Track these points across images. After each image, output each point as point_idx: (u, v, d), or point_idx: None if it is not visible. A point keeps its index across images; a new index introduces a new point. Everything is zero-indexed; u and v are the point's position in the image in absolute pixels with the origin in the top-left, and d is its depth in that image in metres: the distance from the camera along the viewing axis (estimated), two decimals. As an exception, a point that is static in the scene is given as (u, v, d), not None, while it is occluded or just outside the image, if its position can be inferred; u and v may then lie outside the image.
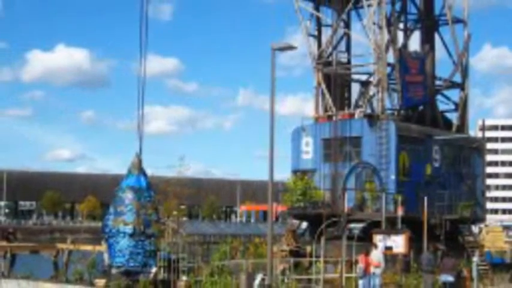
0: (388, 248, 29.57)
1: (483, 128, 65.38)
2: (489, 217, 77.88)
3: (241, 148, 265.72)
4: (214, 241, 43.78)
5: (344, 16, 44.97)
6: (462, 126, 47.20)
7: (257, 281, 24.95)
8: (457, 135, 45.32)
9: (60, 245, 34.48)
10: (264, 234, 41.34)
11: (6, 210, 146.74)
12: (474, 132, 68.70)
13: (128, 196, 27.83)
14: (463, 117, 47.36)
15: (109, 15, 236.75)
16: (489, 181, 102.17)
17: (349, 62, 46.55)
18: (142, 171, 28.47)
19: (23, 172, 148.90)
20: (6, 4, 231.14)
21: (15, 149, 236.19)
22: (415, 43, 47.79)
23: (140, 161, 28.53)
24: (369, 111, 42.52)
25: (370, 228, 33.21)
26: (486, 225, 60.57)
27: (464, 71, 47.67)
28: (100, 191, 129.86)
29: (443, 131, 44.80)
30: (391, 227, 34.25)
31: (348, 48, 46.58)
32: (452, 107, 47.91)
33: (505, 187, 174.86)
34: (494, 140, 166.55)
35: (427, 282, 25.72)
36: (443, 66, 49.29)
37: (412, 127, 42.05)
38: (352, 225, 35.62)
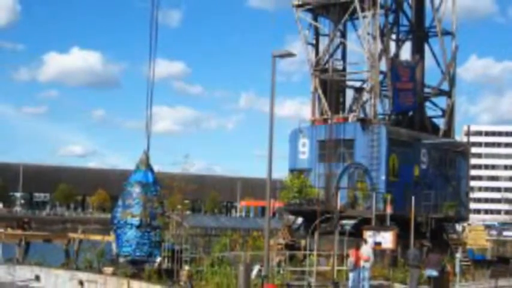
0: (377, 244, 29.53)
1: (468, 133, 65.32)
2: (472, 217, 77.71)
3: (242, 147, 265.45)
4: (215, 234, 43.63)
5: (340, 26, 44.95)
6: (449, 131, 47.18)
7: (254, 272, 24.97)
8: (444, 139, 45.29)
9: (71, 235, 34.48)
10: (261, 228, 41.25)
11: (22, 201, 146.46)
12: (460, 137, 68.55)
13: (136, 190, 27.86)
14: (449, 123, 47.34)
15: (121, 20, 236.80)
16: (473, 183, 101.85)
17: (344, 69, 46.53)
18: (149, 167, 28.48)
19: (38, 166, 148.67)
20: (25, 8, 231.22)
21: (31, 144, 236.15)
22: (406, 53, 47.85)
23: (148, 158, 28.54)
24: (361, 115, 42.52)
25: (361, 224, 33.20)
26: (469, 224, 60.59)
27: (452, 80, 47.65)
28: (110, 185, 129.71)
29: (431, 135, 44.78)
30: (381, 224, 34.22)
31: (344, 57, 46.57)
32: (440, 113, 47.88)
33: (487, 189, 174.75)
34: (478, 144, 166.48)
35: (413, 276, 25.69)
36: (432, 75, 49.30)
37: (401, 131, 42.03)
38: (344, 221, 35.57)
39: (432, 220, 39.53)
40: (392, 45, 46.42)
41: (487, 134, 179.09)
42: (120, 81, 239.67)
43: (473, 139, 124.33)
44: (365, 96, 43.13)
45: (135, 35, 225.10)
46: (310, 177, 41.03)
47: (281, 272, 27.75)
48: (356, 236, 30.66)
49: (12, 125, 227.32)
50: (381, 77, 43.20)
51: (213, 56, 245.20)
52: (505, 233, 74.93)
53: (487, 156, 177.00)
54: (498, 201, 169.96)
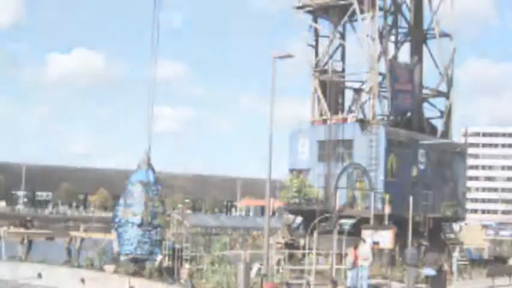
0: (376, 243, 29.52)
1: (466, 134, 65.23)
2: (469, 216, 77.78)
3: (242, 147, 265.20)
4: (215, 233, 43.72)
5: (340, 28, 44.94)
6: (446, 132, 47.13)
7: (254, 270, 24.97)
8: (442, 140, 45.23)
9: (73, 233, 34.51)
10: (261, 228, 41.36)
11: (25, 200, 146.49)
12: (457, 138, 68.43)
13: (137, 189, 27.89)
14: (447, 124, 47.29)
15: (124, 21, 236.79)
16: (470, 183, 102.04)
17: (343, 70, 46.49)
18: (150, 167, 28.51)
19: (41, 165, 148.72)
20: (29, 11, 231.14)
21: (35, 144, 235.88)
22: (404, 54, 47.75)
23: (149, 158, 28.57)
24: (360, 116, 42.49)
25: (360, 224, 33.12)
26: (466, 224, 60.54)
27: (450, 81, 47.57)
28: (111, 184, 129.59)
29: (429, 136, 44.71)
30: (379, 224, 34.22)
31: (343, 58, 46.52)
32: (438, 114, 47.81)
33: (484, 189, 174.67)
34: (476, 145, 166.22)
35: (410, 275, 25.70)
36: (430, 76, 49.21)
37: (400, 132, 42.00)
38: (342, 221, 35.48)
39: (430, 220, 39.50)
40: (391, 47, 46.40)
41: (484, 134, 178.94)
42: (123, 81, 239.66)
43: (470, 140, 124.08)
44: (364, 97, 43.09)
45: (138, 35, 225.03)
46: (309, 177, 41.01)
47: (280, 270, 27.73)
48: (354, 235, 30.62)
49: (16, 124, 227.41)
50: (379, 78, 43.12)
51: (214, 56, 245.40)
52: (501, 233, 75.10)
53: (484, 156, 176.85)
54: (495, 201, 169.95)
